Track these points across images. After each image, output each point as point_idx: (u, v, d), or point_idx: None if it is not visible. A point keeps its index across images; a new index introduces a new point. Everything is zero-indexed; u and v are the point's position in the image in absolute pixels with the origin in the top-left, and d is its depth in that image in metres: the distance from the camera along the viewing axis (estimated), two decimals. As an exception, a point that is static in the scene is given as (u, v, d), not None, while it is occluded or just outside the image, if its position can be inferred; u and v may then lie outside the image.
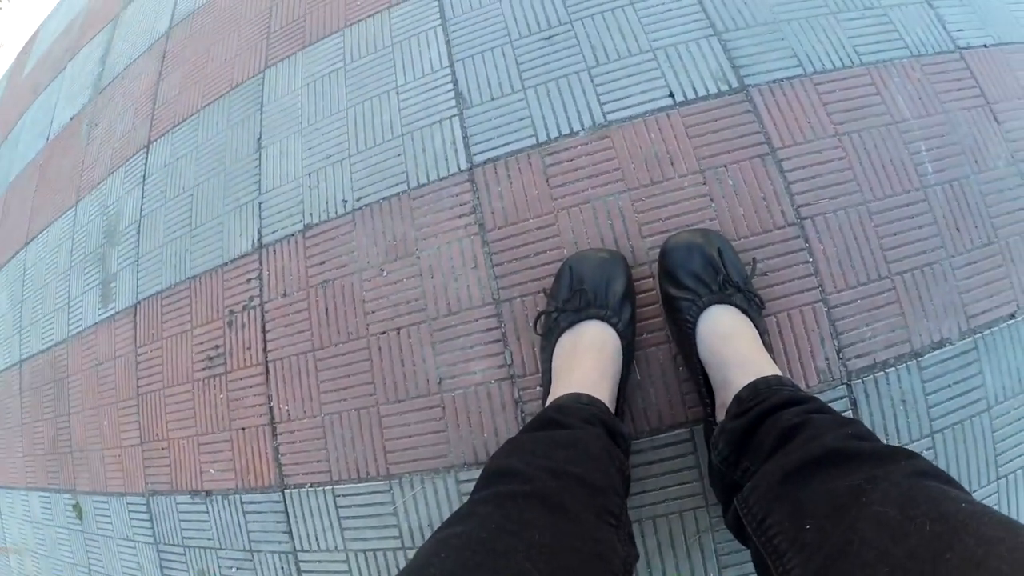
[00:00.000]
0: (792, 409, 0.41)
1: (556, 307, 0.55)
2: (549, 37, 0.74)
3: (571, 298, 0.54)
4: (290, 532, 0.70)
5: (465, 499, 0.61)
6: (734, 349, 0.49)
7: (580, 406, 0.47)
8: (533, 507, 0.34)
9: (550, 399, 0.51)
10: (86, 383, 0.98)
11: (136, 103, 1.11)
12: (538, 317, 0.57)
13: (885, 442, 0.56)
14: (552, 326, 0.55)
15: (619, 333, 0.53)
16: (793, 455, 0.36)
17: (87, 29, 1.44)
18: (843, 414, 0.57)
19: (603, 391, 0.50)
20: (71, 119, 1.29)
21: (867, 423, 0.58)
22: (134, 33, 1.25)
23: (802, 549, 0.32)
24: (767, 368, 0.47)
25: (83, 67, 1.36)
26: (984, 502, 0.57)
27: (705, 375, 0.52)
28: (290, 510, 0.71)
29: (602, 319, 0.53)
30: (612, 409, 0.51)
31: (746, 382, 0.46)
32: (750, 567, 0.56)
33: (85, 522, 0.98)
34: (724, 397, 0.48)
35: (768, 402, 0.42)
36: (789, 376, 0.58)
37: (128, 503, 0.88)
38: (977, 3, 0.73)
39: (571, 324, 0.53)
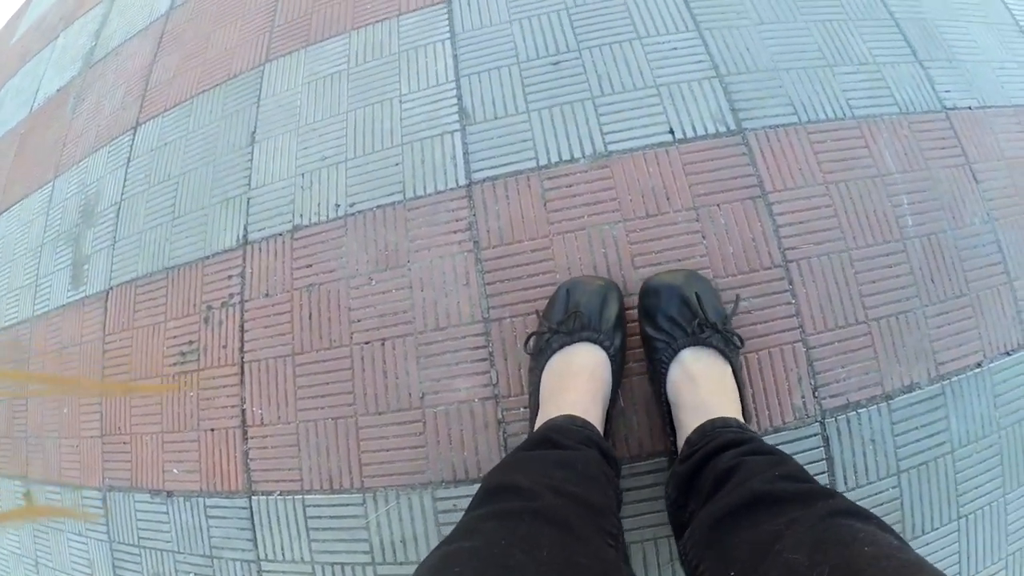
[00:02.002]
0: (730, 452, 0.42)
1: (549, 328, 0.55)
2: (557, 62, 0.75)
3: (566, 320, 0.55)
4: (255, 540, 0.68)
5: (441, 516, 0.61)
6: (693, 394, 0.50)
7: (575, 428, 0.47)
8: (539, 525, 0.34)
9: (540, 419, 0.51)
10: (48, 367, 0.94)
11: (128, 82, 1.08)
12: (529, 337, 0.57)
13: (853, 481, 0.59)
14: (544, 347, 0.55)
15: (610, 357, 0.53)
16: (723, 501, 0.37)
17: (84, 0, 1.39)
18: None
19: (594, 415, 0.50)
20: (58, 91, 1.24)
21: (837, 461, 0.59)
22: (133, 9, 1.21)
23: None
24: (721, 410, 0.48)
25: (76, 39, 1.31)
26: (936, 543, 0.59)
27: (670, 414, 0.53)
28: (256, 517, 0.69)
29: (595, 342, 0.53)
30: (602, 433, 0.51)
31: (697, 425, 0.47)
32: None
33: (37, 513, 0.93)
34: (679, 439, 0.50)
35: (711, 445, 0.44)
36: (760, 414, 0.59)
37: (83, 496, 0.84)
38: (965, 66, 0.77)
39: (563, 346, 0.53)
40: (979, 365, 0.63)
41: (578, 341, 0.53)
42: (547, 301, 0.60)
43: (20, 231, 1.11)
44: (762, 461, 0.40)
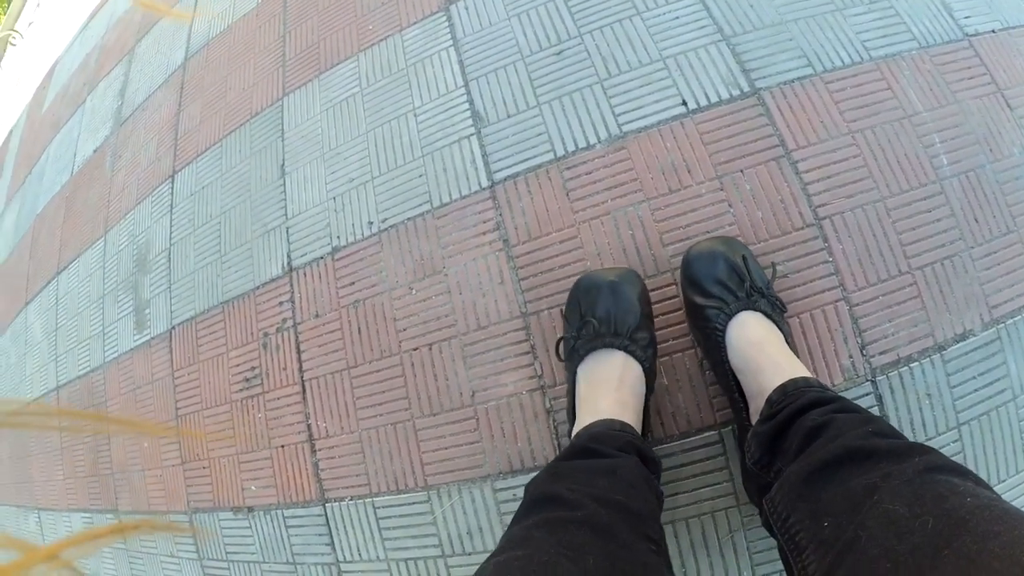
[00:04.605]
0: (818, 410, 0.42)
1: (571, 335, 0.55)
2: (560, 52, 0.75)
3: (583, 327, 0.54)
4: (332, 544, 0.73)
5: (502, 507, 0.64)
6: (767, 355, 0.50)
7: (614, 433, 0.48)
8: (585, 533, 0.36)
9: (578, 425, 0.52)
10: (124, 407, 1.01)
11: (158, 134, 1.14)
12: (558, 344, 0.58)
13: (911, 437, 0.58)
14: (571, 352, 0.55)
15: (637, 359, 0.53)
16: (815, 455, 0.37)
17: (104, 63, 1.48)
18: (869, 410, 0.58)
19: (630, 417, 0.51)
20: (94, 152, 1.33)
21: (893, 418, 0.58)
22: (151, 65, 1.28)
23: (820, 546, 0.33)
24: (798, 371, 0.48)
25: (102, 100, 1.40)
26: (1006, 494, 0.58)
27: (736, 381, 0.53)
28: (331, 523, 0.73)
29: (618, 347, 0.53)
30: (640, 431, 0.52)
31: (776, 385, 0.47)
32: (782, 564, 0.58)
33: (128, 540, 1.01)
34: (759, 402, 0.49)
35: (795, 404, 0.43)
36: (816, 376, 0.59)
37: (171, 521, 0.91)
38: (983, -12, 0.73)
39: (589, 351, 0.53)
40: (1036, 303, 0.61)
41: (601, 348, 0.53)
42: (567, 297, 0.60)
43: (81, 286, 1.20)
44: (852, 418, 0.40)
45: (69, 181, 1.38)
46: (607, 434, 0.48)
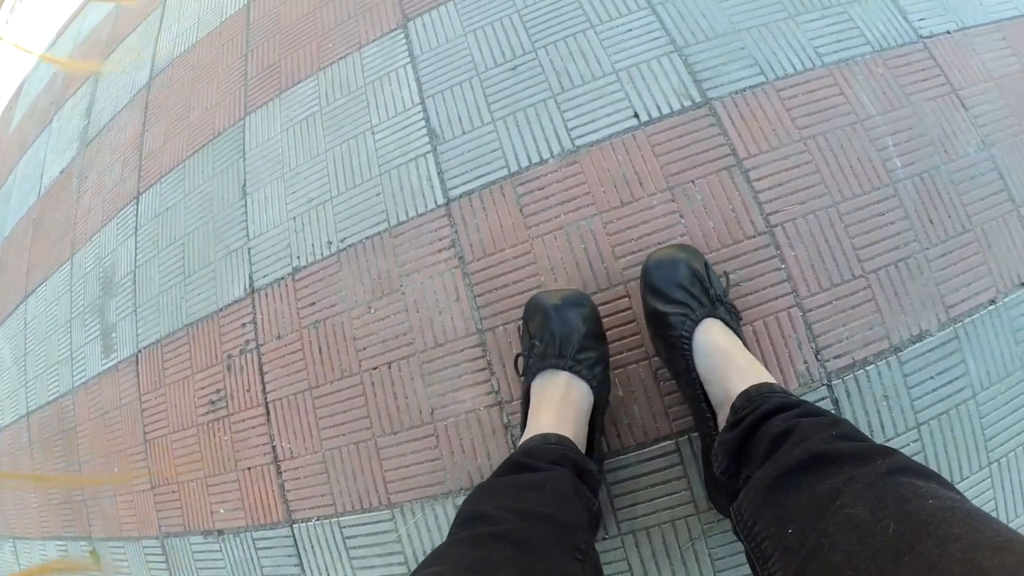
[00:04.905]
0: (782, 415, 0.42)
1: (524, 354, 0.57)
2: (515, 67, 0.76)
3: (532, 348, 0.55)
4: (301, 565, 0.72)
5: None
6: (733, 362, 0.50)
7: (548, 447, 0.48)
8: (503, 547, 0.36)
9: (521, 440, 0.52)
10: (94, 432, 1.00)
11: (123, 155, 1.13)
12: (516, 359, 0.59)
13: (875, 439, 0.58)
14: (526, 369, 0.56)
15: (583, 378, 0.53)
16: (780, 461, 0.37)
17: (70, 82, 1.47)
18: (833, 413, 0.59)
19: (571, 431, 0.51)
20: (61, 172, 1.32)
21: (851, 421, 0.59)
22: (116, 85, 1.27)
23: (785, 553, 0.33)
24: (763, 376, 0.48)
25: (69, 120, 1.39)
26: (967, 492, 0.59)
27: (703, 390, 0.52)
28: (299, 543, 0.73)
29: (564, 368, 0.53)
30: (583, 447, 0.52)
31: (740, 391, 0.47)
32: (744, 569, 0.58)
33: (103, 567, 1.00)
34: (721, 408, 0.49)
35: (760, 410, 0.43)
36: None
37: (143, 546, 0.90)
38: (938, -10, 0.74)
39: (540, 370, 0.54)
40: (993, 302, 0.61)
41: (548, 368, 0.53)
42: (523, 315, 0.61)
43: (49, 310, 1.18)
44: (817, 422, 0.40)
45: (36, 202, 1.36)
46: (541, 448, 0.48)
